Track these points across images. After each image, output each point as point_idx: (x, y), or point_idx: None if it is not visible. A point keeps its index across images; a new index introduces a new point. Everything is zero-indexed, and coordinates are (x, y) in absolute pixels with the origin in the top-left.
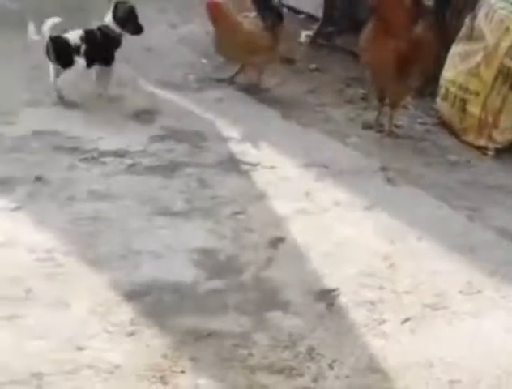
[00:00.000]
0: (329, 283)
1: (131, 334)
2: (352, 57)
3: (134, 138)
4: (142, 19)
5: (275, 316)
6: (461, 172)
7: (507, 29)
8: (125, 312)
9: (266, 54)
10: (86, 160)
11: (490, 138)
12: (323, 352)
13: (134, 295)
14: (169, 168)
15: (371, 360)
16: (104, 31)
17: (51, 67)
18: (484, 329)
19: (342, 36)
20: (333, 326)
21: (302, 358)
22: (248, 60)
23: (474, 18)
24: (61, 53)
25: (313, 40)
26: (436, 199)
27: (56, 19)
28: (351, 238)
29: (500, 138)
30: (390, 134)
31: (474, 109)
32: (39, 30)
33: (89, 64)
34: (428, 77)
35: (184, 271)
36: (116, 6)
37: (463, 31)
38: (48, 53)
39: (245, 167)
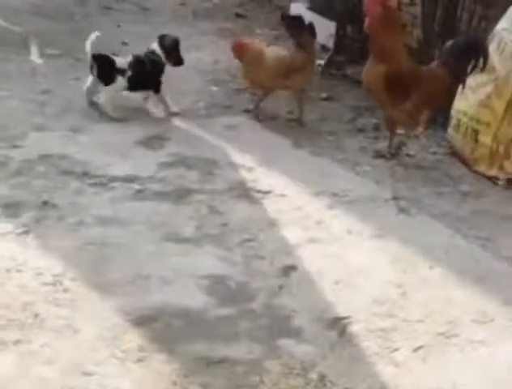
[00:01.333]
0: (341, 311)
1: (140, 360)
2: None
3: (143, 164)
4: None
5: (287, 343)
6: (473, 202)
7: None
8: (134, 338)
9: (301, 76)
10: (94, 184)
11: (501, 168)
12: (335, 379)
13: (142, 321)
14: (179, 195)
15: (383, 387)
16: (152, 58)
17: (90, 78)
18: (497, 357)
19: (353, 66)
20: (345, 354)
21: (314, 386)
22: (281, 85)
23: None
24: (104, 70)
25: (324, 70)
26: (448, 229)
27: (96, 34)
28: (363, 267)
29: (511, 168)
30: (390, 158)
31: (485, 139)
32: (41, 53)
33: (133, 89)
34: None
35: (194, 298)
36: (162, 37)
37: None
38: (91, 69)
39: (257, 194)
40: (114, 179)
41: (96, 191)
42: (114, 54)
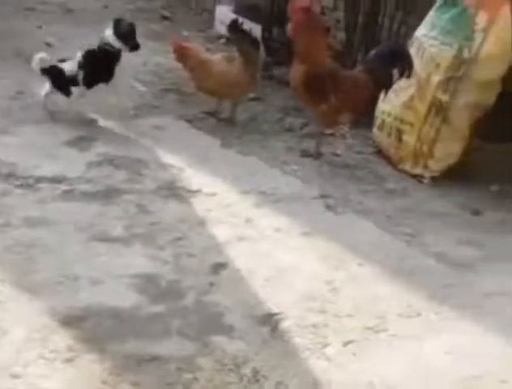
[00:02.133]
0: (272, 307)
1: (69, 360)
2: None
3: (70, 164)
4: (72, 46)
5: (219, 340)
6: (398, 199)
7: (437, 65)
8: (63, 338)
9: (247, 84)
10: (21, 186)
11: (426, 166)
12: (268, 374)
13: (71, 321)
14: (107, 195)
15: (315, 382)
16: (104, 48)
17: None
18: (424, 351)
19: (280, 68)
20: (277, 349)
21: (247, 381)
22: (226, 95)
23: None
24: (58, 82)
25: None
26: (375, 226)
27: (42, 55)
28: (292, 263)
29: (435, 166)
30: (317, 157)
31: (409, 138)
32: None
33: (90, 86)
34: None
35: (124, 297)
36: (117, 22)
37: None
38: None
39: (186, 194)
40: (41, 180)
41: (23, 192)
42: (62, 60)
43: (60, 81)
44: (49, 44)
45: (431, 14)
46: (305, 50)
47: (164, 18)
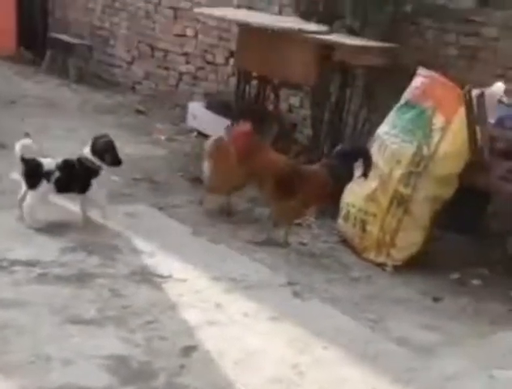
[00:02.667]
0: None
1: None
2: None
3: (45, 249)
4: (51, 136)
5: None
6: (362, 287)
7: (398, 161)
8: None
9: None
10: None
11: (388, 255)
12: None
13: None
14: (81, 279)
15: None
16: (83, 162)
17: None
18: None
19: None
20: None
21: None
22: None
23: None
24: (30, 173)
25: None
26: (340, 312)
27: (27, 139)
28: (260, 347)
29: (397, 255)
30: (285, 245)
31: (373, 229)
32: None
33: (61, 191)
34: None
35: (95, 378)
36: (94, 140)
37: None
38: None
39: (157, 279)
40: (16, 263)
41: None
42: (44, 156)
43: (34, 172)
44: (28, 135)
45: (392, 114)
46: (261, 167)
47: (140, 112)
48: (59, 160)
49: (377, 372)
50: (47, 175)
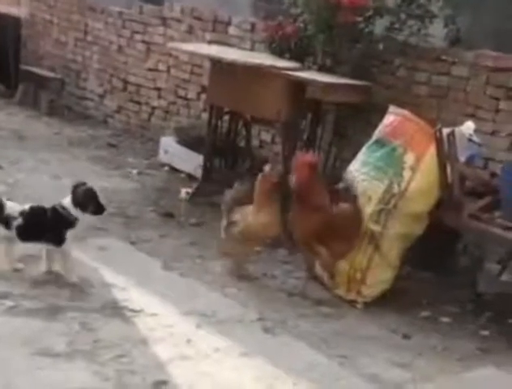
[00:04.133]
0: None
1: None
2: None
3: (15, 281)
4: (23, 169)
5: None
6: (333, 323)
7: (369, 198)
8: None
9: None
10: None
11: (359, 292)
12: None
13: None
14: (51, 312)
15: None
16: (57, 211)
17: None
18: None
19: (219, 195)
20: None
21: None
22: None
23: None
24: None
25: (192, 197)
26: (310, 348)
27: None
28: (230, 383)
29: (368, 292)
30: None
31: (343, 266)
32: None
33: (23, 239)
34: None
35: None
36: (75, 189)
37: None
38: None
39: (128, 313)
40: None
41: None
42: (9, 199)
43: None
44: (1, 167)
45: (363, 151)
46: (315, 202)
47: (111, 145)
48: (26, 206)
49: None
50: (8, 219)
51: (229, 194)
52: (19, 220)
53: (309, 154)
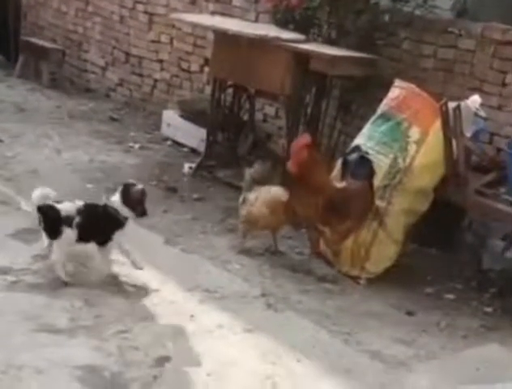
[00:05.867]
0: None
1: None
2: (233, 188)
3: (17, 256)
4: (26, 143)
5: None
6: (337, 299)
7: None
8: None
9: None
10: None
11: (363, 268)
12: None
13: None
14: (53, 287)
15: None
16: (107, 210)
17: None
18: None
19: (223, 170)
20: None
21: None
22: None
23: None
24: (49, 222)
25: (196, 172)
26: (314, 324)
27: (42, 189)
28: (233, 359)
29: (371, 268)
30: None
31: (347, 242)
32: None
33: (82, 239)
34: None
35: (67, 387)
36: (126, 188)
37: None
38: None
39: (130, 289)
40: None
41: None
42: (59, 201)
43: (53, 221)
44: (1, 141)
45: (368, 126)
46: (315, 183)
47: (113, 119)
48: (80, 203)
49: (350, 385)
50: (68, 221)
51: (249, 173)
52: (77, 219)
53: (304, 136)
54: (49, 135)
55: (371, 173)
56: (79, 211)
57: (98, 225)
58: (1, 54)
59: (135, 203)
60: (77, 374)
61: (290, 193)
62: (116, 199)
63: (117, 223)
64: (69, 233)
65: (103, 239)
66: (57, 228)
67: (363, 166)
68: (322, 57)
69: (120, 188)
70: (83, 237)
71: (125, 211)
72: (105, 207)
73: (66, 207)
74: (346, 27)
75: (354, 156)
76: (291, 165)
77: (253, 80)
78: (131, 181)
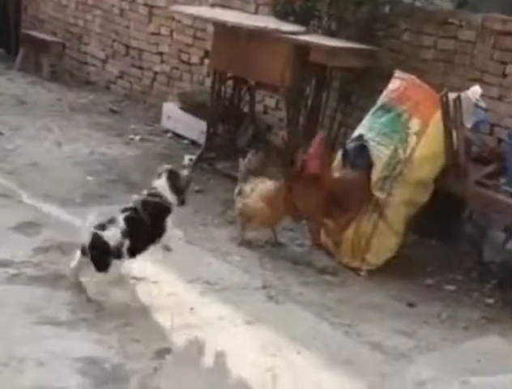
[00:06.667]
0: None
1: None
2: (234, 180)
3: (18, 249)
4: (26, 136)
5: None
6: (337, 291)
7: (374, 165)
8: None
9: None
10: None
11: (363, 260)
12: None
13: None
14: (54, 279)
15: None
16: (155, 203)
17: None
18: None
19: (223, 162)
20: None
21: None
22: None
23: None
24: (98, 255)
25: (195, 164)
26: (314, 316)
27: (95, 215)
28: (234, 351)
29: (372, 259)
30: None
31: (348, 233)
32: None
33: (134, 255)
34: None
35: (68, 379)
36: (173, 174)
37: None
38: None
39: (131, 281)
40: None
41: None
42: (103, 225)
43: (101, 256)
44: (1, 133)
45: (368, 117)
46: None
47: (113, 111)
48: (121, 222)
49: (351, 377)
50: (116, 252)
51: (243, 164)
52: (126, 242)
53: (320, 135)
54: (49, 128)
55: (369, 163)
56: (126, 233)
57: (147, 236)
58: (1, 47)
59: (181, 190)
60: (78, 366)
61: (290, 186)
62: (162, 184)
63: (166, 211)
64: (118, 264)
65: (158, 236)
66: (106, 262)
67: (362, 156)
68: (321, 49)
69: (165, 173)
70: (135, 253)
71: (170, 197)
72: (145, 201)
73: (114, 236)
74: (346, 18)
75: (353, 144)
76: (312, 167)
77: (254, 72)
78: (171, 166)
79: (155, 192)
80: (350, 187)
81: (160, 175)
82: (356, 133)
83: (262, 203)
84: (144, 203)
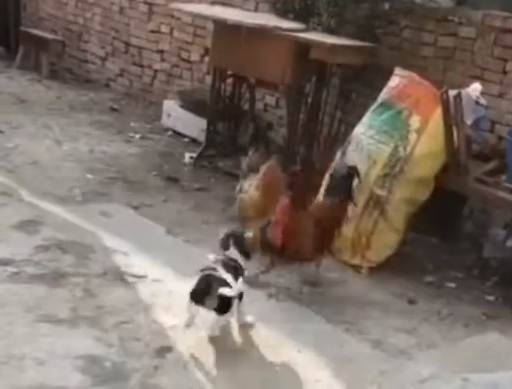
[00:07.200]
0: None
1: None
2: (234, 178)
3: (18, 247)
4: (26, 135)
5: None
6: (338, 288)
7: (374, 162)
8: None
9: None
10: None
11: (363, 257)
12: None
13: None
14: (54, 278)
15: None
16: (231, 264)
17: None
18: None
19: (223, 159)
20: None
21: None
22: None
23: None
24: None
25: (196, 162)
26: (315, 314)
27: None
28: (234, 349)
29: (373, 257)
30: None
31: (347, 231)
32: None
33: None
34: None
35: (68, 377)
36: (238, 238)
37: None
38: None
39: (132, 279)
40: None
41: None
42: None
43: (227, 306)
44: (1, 132)
45: (368, 115)
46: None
47: (113, 109)
48: (230, 277)
49: (351, 374)
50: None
51: (244, 162)
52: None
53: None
54: (49, 126)
55: (348, 189)
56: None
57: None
58: (1, 46)
59: (248, 250)
60: (78, 364)
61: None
62: (234, 251)
63: (239, 273)
64: (235, 306)
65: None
66: (228, 308)
67: (345, 182)
68: (322, 46)
69: (231, 240)
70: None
71: (242, 260)
72: (225, 262)
73: (231, 289)
74: (346, 15)
75: (340, 171)
76: (275, 236)
77: (254, 70)
78: (233, 230)
79: (230, 257)
80: (328, 215)
81: (225, 240)
82: (356, 131)
83: (255, 191)
84: (224, 264)
